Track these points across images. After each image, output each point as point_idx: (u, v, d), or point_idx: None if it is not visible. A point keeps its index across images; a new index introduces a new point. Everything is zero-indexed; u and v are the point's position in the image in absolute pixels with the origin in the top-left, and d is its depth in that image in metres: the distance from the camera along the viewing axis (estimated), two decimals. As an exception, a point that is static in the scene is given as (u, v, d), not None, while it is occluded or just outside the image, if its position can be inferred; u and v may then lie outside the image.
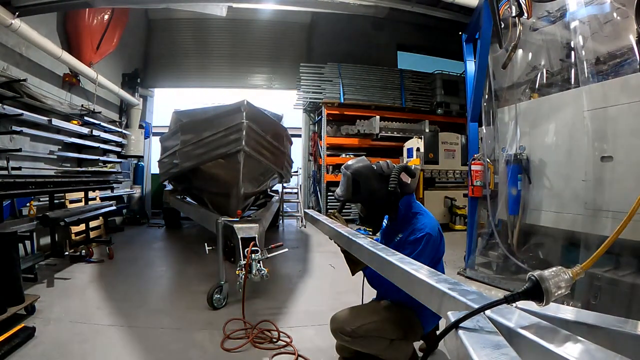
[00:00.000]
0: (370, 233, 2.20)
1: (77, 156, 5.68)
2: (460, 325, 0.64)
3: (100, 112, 6.18)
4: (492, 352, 0.56)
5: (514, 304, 0.76)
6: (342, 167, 2.06)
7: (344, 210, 2.24)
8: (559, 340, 0.62)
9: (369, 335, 1.89)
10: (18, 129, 4.02)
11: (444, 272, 1.98)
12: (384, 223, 2.15)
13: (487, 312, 0.71)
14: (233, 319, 2.78)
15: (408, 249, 1.82)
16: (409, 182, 1.97)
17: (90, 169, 5.93)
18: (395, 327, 1.88)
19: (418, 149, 7.40)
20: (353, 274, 1.98)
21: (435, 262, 1.92)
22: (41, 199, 4.51)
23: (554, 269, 0.74)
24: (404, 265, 0.94)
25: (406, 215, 2.00)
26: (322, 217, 2.03)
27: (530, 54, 4.02)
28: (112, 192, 6.55)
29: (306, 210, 2.31)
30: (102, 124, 6.15)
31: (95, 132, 5.85)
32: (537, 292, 0.70)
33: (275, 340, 2.52)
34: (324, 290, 3.70)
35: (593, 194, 3.03)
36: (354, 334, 1.89)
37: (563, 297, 2.70)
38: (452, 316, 0.66)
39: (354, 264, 1.93)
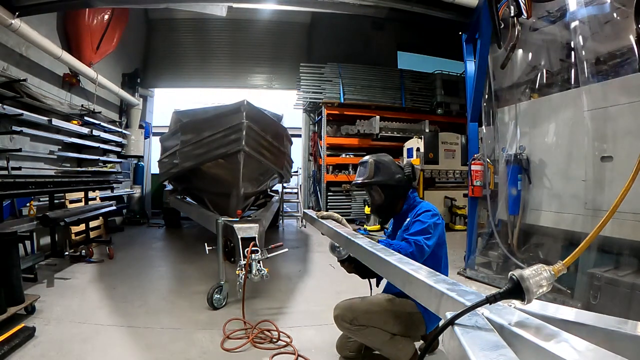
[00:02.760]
0: (370, 232, 2.23)
1: (77, 156, 5.68)
2: (458, 322, 0.64)
3: (100, 112, 6.19)
4: (490, 352, 0.55)
5: (511, 305, 0.76)
6: (361, 160, 2.23)
7: (343, 212, 2.28)
8: (558, 341, 0.62)
9: (370, 325, 1.90)
10: (18, 129, 4.02)
11: (447, 259, 2.02)
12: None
13: (486, 312, 0.71)
14: (233, 319, 2.78)
15: (417, 222, 1.91)
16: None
17: (90, 169, 5.93)
18: (396, 321, 1.90)
19: (418, 149, 7.40)
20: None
21: (441, 244, 1.98)
22: (41, 199, 4.51)
23: (535, 267, 0.74)
24: (402, 265, 0.94)
25: (413, 204, 2.12)
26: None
27: (530, 54, 4.01)
28: (112, 192, 6.55)
29: (305, 211, 2.33)
30: (102, 124, 6.15)
31: (95, 132, 5.85)
32: (518, 291, 0.71)
33: (275, 340, 2.52)
34: (323, 290, 3.69)
35: (593, 194, 3.03)
36: (355, 321, 1.92)
37: (563, 297, 2.69)
38: (450, 316, 0.67)
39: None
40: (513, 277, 0.72)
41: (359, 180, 2.15)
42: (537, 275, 0.72)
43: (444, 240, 2.03)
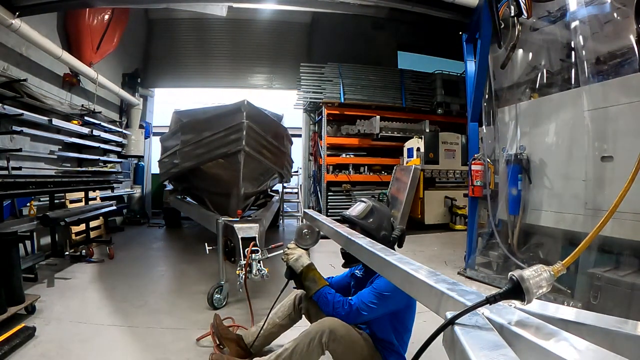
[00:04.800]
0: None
1: (77, 156, 5.68)
2: (457, 322, 0.65)
3: (100, 112, 6.19)
4: (490, 352, 0.55)
5: (512, 304, 0.76)
6: (362, 198, 2.18)
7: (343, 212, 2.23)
8: (558, 341, 0.62)
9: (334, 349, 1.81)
10: (18, 129, 4.02)
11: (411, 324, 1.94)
12: (359, 273, 2.14)
13: (486, 312, 0.71)
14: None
15: (371, 288, 1.83)
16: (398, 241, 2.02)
17: (90, 169, 5.94)
18: (351, 355, 1.80)
19: (418, 149, 7.40)
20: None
21: (397, 313, 1.88)
22: (41, 199, 4.51)
23: (534, 267, 0.74)
24: (402, 265, 0.94)
25: None
26: (322, 217, 2.03)
27: (530, 54, 4.01)
28: (113, 192, 6.55)
29: (306, 210, 2.32)
30: (103, 124, 6.15)
31: (96, 132, 5.85)
32: (518, 292, 0.71)
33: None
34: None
35: (593, 194, 3.03)
36: (325, 345, 1.78)
37: (563, 297, 2.70)
38: (450, 316, 0.67)
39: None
40: (513, 277, 0.72)
41: (348, 214, 2.07)
42: (537, 276, 0.72)
43: (407, 306, 1.90)
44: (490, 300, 0.70)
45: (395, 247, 2.01)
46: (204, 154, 3.80)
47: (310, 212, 2.21)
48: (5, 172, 3.90)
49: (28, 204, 4.19)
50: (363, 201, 2.11)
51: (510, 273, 0.73)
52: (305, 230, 2.14)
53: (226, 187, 3.77)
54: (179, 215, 7.37)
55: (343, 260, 2.12)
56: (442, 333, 0.68)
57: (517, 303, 0.76)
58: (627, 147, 2.77)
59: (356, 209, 2.07)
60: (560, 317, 0.77)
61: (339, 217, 2.18)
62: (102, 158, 6.35)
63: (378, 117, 7.83)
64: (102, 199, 5.97)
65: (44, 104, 4.66)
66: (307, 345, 1.76)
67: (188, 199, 5.59)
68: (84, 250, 4.64)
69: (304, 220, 2.34)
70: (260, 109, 3.90)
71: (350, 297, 1.87)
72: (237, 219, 3.47)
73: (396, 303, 1.80)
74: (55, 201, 4.42)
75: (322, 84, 8.22)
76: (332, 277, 2.33)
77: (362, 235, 1.47)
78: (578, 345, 0.61)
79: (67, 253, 4.38)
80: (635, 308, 2.54)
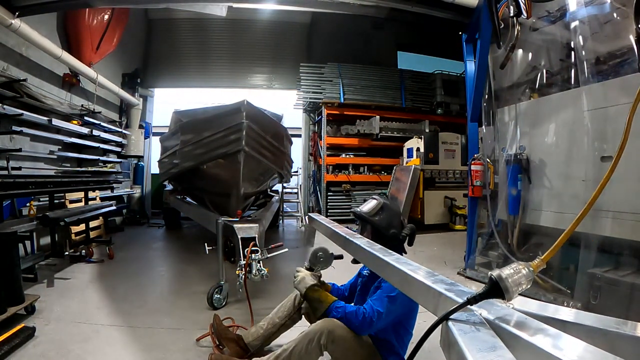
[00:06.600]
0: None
1: (77, 156, 5.68)
2: (456, 323, 0.65)
3: (100, 112, 6.19)
4: (488, 353, 0.55)
5: (510, 305, 0.76)
6: (374, 195, 2.21)
7: (342, 212, 2.23)
8: (556, 342, 0.62)
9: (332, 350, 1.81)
10: (18, 129, 4.02)
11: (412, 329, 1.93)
12: (365, 272, 2.15)
13: (484, 312, 0.71)
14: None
15: (380, 290, 1.83)
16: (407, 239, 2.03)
17: (90, 169, 5.93)
18: (350, 356, 1.80)
19: (418, 149, 7.40)
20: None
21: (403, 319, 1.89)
22: (41, 199, 4.50)
23: (513, 265, 0.75)
24: (400, 265, 0.94)
25: None
26: (325, 220, 2.04)
27: (530, 54, 4.01)
28: (112, 192, 6.55)
29: (310, 214, 2.33)
30: (102, 124, 6.15)
31: (95, 132, 5.85)
32: (497, 291, 0.72)
33: (274, 340, 2.52)
34: (323, 290, 3.69)
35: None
36: (324, 347, 1.78)
37: (563, 297, 2.68)
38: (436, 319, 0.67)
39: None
40: (492, 277, 0.73)
41: (359, 210, 2.10)
42: (516, 274, 0.73)
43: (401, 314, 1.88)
44: (471, 301, 0.71)
45: (406, 245, 2.04)
46: (203, 154, 3.80)
47: (315, 215, 2.22)
48: (5, 172, 3.90)
49: (28, 204, 4.18)
50: (375, 198, 2.14)
51: (489, 272, 0.74)
52: (320, 253, 2.14)
53: (226, 187, 3.77)
54: (179, 215, 7.36)
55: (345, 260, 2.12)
56: (440, 334, 0.69)
57: (515, 303, 0.76)
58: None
59: (367, 206, 2.10)
60: (559, 318, 0.77)
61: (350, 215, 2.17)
62: (101, 158, 6.35)
63: (378, 117, 7.84)
64: (102, 199, 5.96)
65: (44, 104, 4.66)
66: (306, 346, 1.76)
67: (188, 199, 5.59)
68: (83, 251, 4.63)
69: (303, 220, 2.35)
70: (260, 109, 3.90)
71: (361, 307, 1.83)
72: (237, 219, 3.46)
73: (404, 304, 1.79)
74: (55, 201, 4.41)
75: (321, 84, 8.22)
76: (345, 283, 2.34)
77: (360, 236, 1.47)
78: (576, 347, 0.61)
79: (66, 253, 4.37)
80: (635, 308, 2.54)
